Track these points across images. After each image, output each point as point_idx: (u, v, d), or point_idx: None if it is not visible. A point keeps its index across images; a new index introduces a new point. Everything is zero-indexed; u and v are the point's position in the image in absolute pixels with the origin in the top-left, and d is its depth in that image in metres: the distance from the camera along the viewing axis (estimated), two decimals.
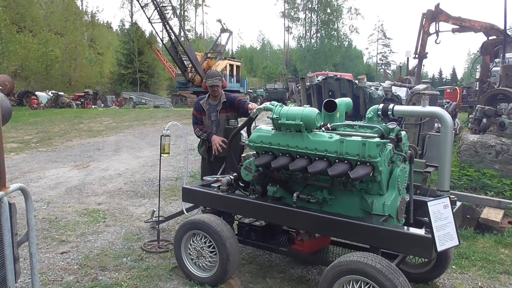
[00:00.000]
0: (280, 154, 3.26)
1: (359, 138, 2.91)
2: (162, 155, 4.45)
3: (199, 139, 4.79)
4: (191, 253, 3.57)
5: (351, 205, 3.11)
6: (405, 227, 2.79)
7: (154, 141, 11.92)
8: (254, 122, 3.70)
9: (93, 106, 32.36)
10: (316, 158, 3.05)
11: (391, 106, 3.20)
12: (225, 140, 4.35)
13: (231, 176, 3.73)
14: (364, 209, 3.04)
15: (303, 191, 3.29)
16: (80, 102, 31.73)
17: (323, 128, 3.25)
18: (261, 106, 3.49)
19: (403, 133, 3.20)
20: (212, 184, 3.83)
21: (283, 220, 3.30)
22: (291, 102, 30.45)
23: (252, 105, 4.39)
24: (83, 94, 33.89)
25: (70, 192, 6.72)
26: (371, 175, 2.84)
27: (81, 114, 21.78)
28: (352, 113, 5.33)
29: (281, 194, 3.47)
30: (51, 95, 30.20)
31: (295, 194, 3.25)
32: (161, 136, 4.39)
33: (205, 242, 3.45)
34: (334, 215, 2.99)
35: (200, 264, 3.53)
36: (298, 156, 3.16)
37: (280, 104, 3.35)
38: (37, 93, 29.79)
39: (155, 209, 5.07)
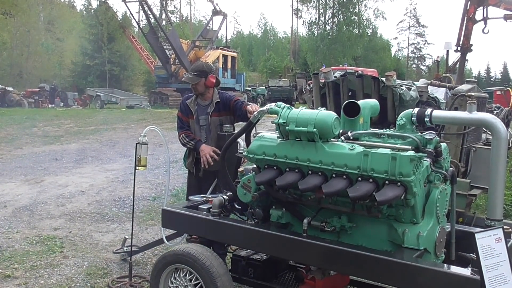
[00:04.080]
0: (287, 169, 3.25)
1: (388, 151, 2.90)
2: (137, 168, 4.44)
3: (185, 149, 4.78)
4: None
5: (377, 236, 3.09)
6: (446, 265, 2.77)
7: (127, 151, 11.91)
8: (254, 128, 3.69)
9: (50, 105, 32.45)
10: (333, 175, 3.04)
11: (428, 111, 3.20)
12: (217, 151, 4.34)
13: (224, 196, 3.71)
14: (393, 241, 3.02)
15: (315, 217, 3.27)
16: (33, 100, 31.81)
17: (342, 137, 3.24)
18: (264, 108, 3.49)
19: (443, 145, 3.20)
20: (200, 206, 3.81)
21: (289, 253, 3.27)
22: (300, 103, 30.54)
23: (252, 106, 4.39)
24: (37, 90, 34.00)
25: (19, 213, 6.69)
26: (402, 198, 2.83)
27: (34, 115, 21.77)
28: (378, 118, 5.32)
29: (288, 220, 3.45)
30: None
31: (305, 221, 3.23)
32: (136, 144, 4.38)
33: (191, 280, 3.42)
34: (354, 248, 2.97)
35: None
36: (310, 172, 3.14)
37: (288, 106, 3.35)
38: None
39: (127, 237, 5.04)
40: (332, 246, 3.01)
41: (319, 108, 3.26)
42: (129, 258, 4.65)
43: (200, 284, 3.36)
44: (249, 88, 40.88)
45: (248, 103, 4.58)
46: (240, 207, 3.76)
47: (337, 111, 3.46)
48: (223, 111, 4.61)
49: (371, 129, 3.45)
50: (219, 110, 4.60)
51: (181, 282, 3.47)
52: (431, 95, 5.91)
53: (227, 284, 3.34)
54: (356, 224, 3.16)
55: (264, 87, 40.14)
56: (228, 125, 4.51)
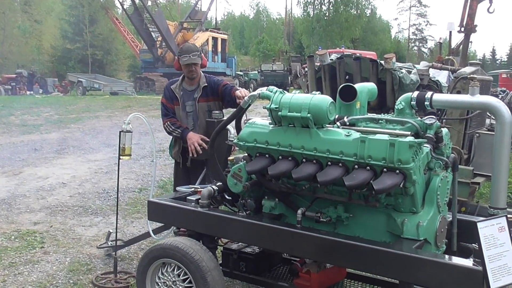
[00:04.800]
0: (280, 157, 3.25)
1: (386, 137, 2.90)
2: (121, 157, 4.43)
3: (171, 137, 4.77)
4: None
5: (375, 226, 3.11)
6: (447, 256, 2.79)
7: (111, 140, 11.86)
8: (245, 114, 3.69)
9: (28, 92, 32.25)
10: (329, 163, 3.05)
11: (429, 94, 3.21)
12: (206, 139, 4.33)
13: (213, 187, 3.72)
14: (392, 231, 3.04)
15: (310, 207, 3.29)
16: (10, 87, 31.61)
17: (338, 123, 3.24)
18: (255, 93, 3.48)
19: (444, 130, 3.21)
20: (188, 197, 3.82)
21: (283, 246, 3.29)
22: (295, 88, 30.48)
23: (241, 91, 4.37)
24: (14, 76, 33.77)
25: None
26: (401, 186, 2.84)
27: (11, 102, 21.66)
28: (376, 103, 5.34)
29: (281, 211, 3.46)
30: None
31: (299, 211, 3.24)
32: (120, 132, 4.37)
33: (179, 275, 3.43)
34: (351, 239, 2.99)
35: None
36: (304, 160, 3.15)
37: (280, 90, 3.34)
38: None
39: (111, 231, 5.04)
40: (328, 237, 3.02)
41: (314, 93, 3.26)
42: (114, 253, 4.66)
43: (189, 279, 3.37)
44: (241, 73, 40.78)
45: (237, 87, 4.57)
46: (230, 198, 3.76)
47: (333, 95, 3.46)
48: (211, 96, 4.58)
49: (369, 114, 3.45)
50: (206, 95, 4.58)
51: (169, 277, 3.48)
52: (432, 79, 5.93)
53: (218, 279, 3.35)
54: (353, 214, 3.18)
55: (256, 72, 39.95)
56: (217, 111, 4.48)
